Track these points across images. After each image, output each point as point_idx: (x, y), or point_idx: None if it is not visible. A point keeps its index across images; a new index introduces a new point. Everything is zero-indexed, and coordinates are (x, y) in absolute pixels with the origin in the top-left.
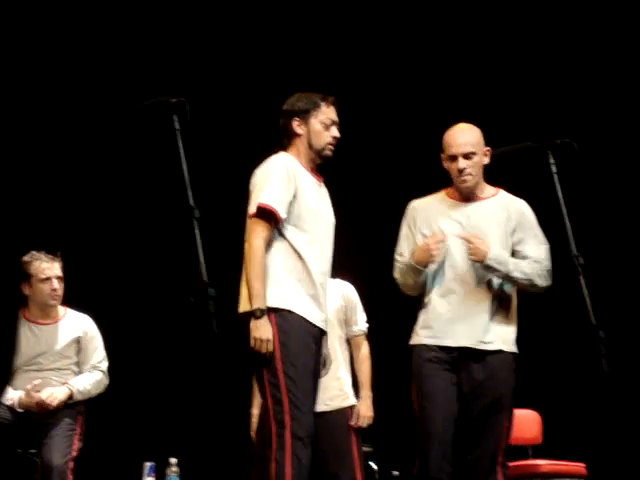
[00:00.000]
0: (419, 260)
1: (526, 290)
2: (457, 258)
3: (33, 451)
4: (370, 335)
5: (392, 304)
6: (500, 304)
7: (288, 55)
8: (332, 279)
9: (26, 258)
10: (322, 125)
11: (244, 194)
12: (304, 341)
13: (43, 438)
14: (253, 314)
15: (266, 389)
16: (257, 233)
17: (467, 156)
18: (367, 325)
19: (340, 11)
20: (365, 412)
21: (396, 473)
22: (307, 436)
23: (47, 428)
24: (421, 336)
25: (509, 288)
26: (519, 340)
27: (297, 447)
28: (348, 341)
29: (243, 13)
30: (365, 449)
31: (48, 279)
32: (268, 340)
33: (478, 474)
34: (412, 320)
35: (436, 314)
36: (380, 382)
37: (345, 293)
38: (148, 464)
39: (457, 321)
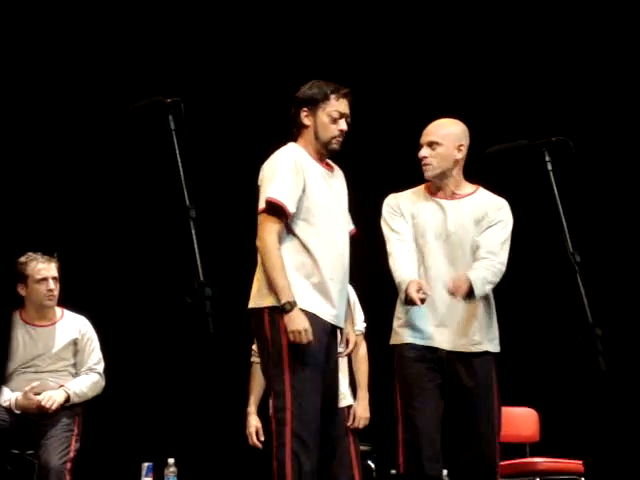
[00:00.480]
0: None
1: None
2: (439, 258)
3: (30, 452)
4: (368, 335)
5: (390, 304)
6: (482, 305)
7: (283, 54)
8: None
9: (22, 259)
10: (329, 118)
11: (240, 194)
12: (314, 339)
13: (40, 439)
14: (283, 309)
15: (270, 384)
16: (269, 228)
17: (430, 145)
18: (365, 325)
19: (339, 11)
20: (362, 413)
21: (394, 472)
22: (310, 438)
23: (44, 429)
24: (404, 335)
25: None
26: (516, 339)
27: (297, 446)
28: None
29: (237, 12)
30: (363, 448)
31: (44, 279)
32: (306, 330)
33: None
34: None
35: (419, 314)
36: (378, 381)
37: None
38: (146, 464)
39: (441, 322)
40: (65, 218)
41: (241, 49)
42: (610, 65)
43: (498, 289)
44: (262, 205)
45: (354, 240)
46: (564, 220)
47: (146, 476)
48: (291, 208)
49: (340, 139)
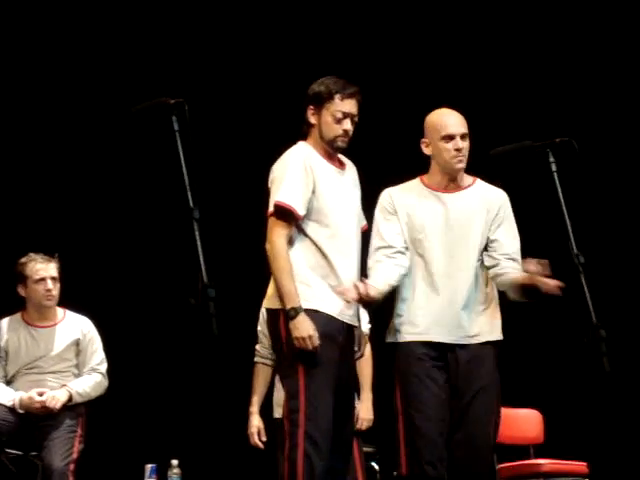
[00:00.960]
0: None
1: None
2: (439, 251)
3: (34, 454)
4: (372, 335)
5: (392, 304)
6: (483, 295)
7: (287, 54)
8: None
9: (22, 260)
10: (332, 118)
11: (244, 195)
12: (329, 339)
13: (44, 440)
14: (288, 315)
15: (284, 384)
16: (277, 232)
17: (463, 137)
18: (370, 326)
19: (345, 9)
20: (365, 415)
21: (396, 473)
22: (323, 440)
23: (48, 430)
24: (405, 333)
25: (483, 281)
26: (520, 340)
27: (309, 448)
28: None
29: (241, 13)
30: (367, 450)
31: (42, 280)
32: (310, 336)
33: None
34: None
35: (420, 309)
36: (382, 382)
37: None
38: (150, 466)
39: (442, 316)
40: (69, 219)
41: (245, 50)
42: (614, 66)
43: (502, 291)
44: (271, 208)
45: (362, 235)
46: (568, 221)
47: (150, 477)
48: (301, 211)
49: (345, 138)
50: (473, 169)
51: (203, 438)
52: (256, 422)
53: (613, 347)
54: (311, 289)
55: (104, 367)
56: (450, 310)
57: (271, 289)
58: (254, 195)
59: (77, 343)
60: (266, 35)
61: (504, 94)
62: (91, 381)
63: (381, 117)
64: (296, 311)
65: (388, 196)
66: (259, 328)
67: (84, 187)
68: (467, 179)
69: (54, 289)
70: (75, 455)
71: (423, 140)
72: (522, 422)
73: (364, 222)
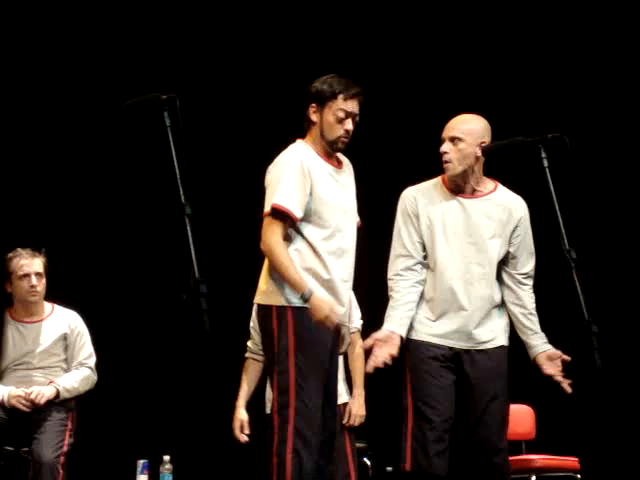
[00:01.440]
0: None
1: None
2: (458, 256)
3: (25, 449)
4: (364, 332)
5: (387, 300)
6: (499, 301)
7: (280, 50)
8: None
9: (9, 255)
10: (334, 117)
11: (236, 191)
12: (320, 337)
13: (34, 434)
14: (304, 299)
15: (274, 380)
16: (272, 231)
17: (452, 140)
18: (362, 322)
19: (341, 6)
20: (357, 411)
21: (390, 469)
22: (312, 435)
23: (38, 424)
24: (420, 332)
25: (499, 287)
26: (512, 335)
27: (299, 443)
28: None
29: (233, 7)
30: (359, 445)
31: (27, 275)
32: (327, 316)
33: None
34: None
35: (437, 312)
36: (374, 378)
37: None
38: (141, 462)
39: (459, 322)
40: (61, 215)
41: (237, 45)
42: (606, 62)
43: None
44: (267, 209)
45: (358, 234)
46: (560, 217)
47: (142, 473)
48: (298, 213)
49: (345, 139)
50: None
51: (195, 434)
52: (240, 416)
53: (605, 343)
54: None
55: (92, 361)
56: (467, 316)
57: (262, 284)
58: (246, 191)
59: (65, 338)
60: (259, 30)
61: (496, 90)
62: (78, 376)
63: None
64: (310, 292)
65: (412, 198)
66: (251, 324)
67: (76, 182)
68: (488, 184)
69: (38, 285)
70: (65, 448)
71: None
72: (514, 417)
73: (357, 218)
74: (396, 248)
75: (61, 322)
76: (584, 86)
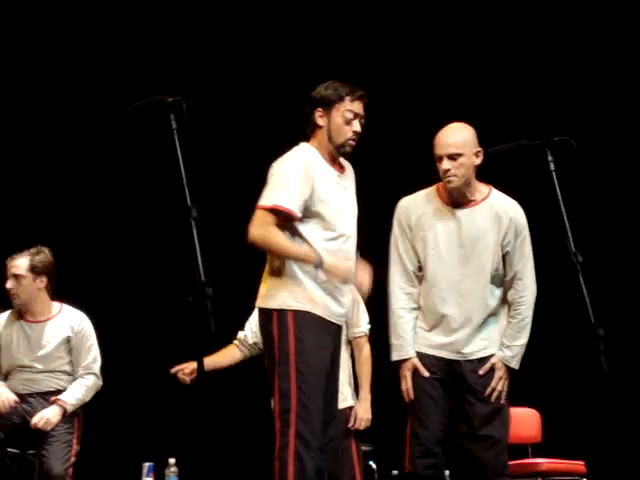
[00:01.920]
0: None
1: None
2: (450, 267)
3: (31, 452)
4: (372, 336)
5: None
6: (494, 310)
7: (286, 53)
8: None
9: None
10: (343, 119)
11: (242, 193)
12: (320, 340)
13: (42, 442)
14: (320, 267)
15: (275, 384)
16: (263, 222)
17: (452, 157)
18: (369, 326)
19: (343, 10)
20: (363, 415)
21: (396, 472)
22: (313, 438)
23: (45, 434)
24: (416, 342)
25: (499, 293)
26: None
27: (300, 447)
28: (349, 342)
29: (239, 10)
30: (365, 448)
31: (8, 277)
32: (349, 268)
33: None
34: None
35: (430, 323)
36: (380, 381)
37: None
38: (147, 464)
39: (452, 330)
40: (68, 217)
41: (243, 48)
42: (612, 64)
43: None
44: (263, 203)
45: (360, 240)
46: (566, 220)
47: (147, 476)
48: (298, 213)
49: (353, 142)
50: None
51: (200, 436)
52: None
53: (611, 346)
54: (303, 291)
55: (97, 366)
56: (458, 327)
57: (262, 288)
58: (252, 193)
59: (68, 341)
60: (264, 33)
61: (502, 93)
62: (82, 387)
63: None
64: (320, 259)
65: (405, 209)
66: (253, 328)
67: (82, 185)
68: (481, 191)
69: (14, 287)
70: (73, 459)
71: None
72: (520, 421)
73: None
74: (393, 259)
75: (65, 324)
76: (591, 89)
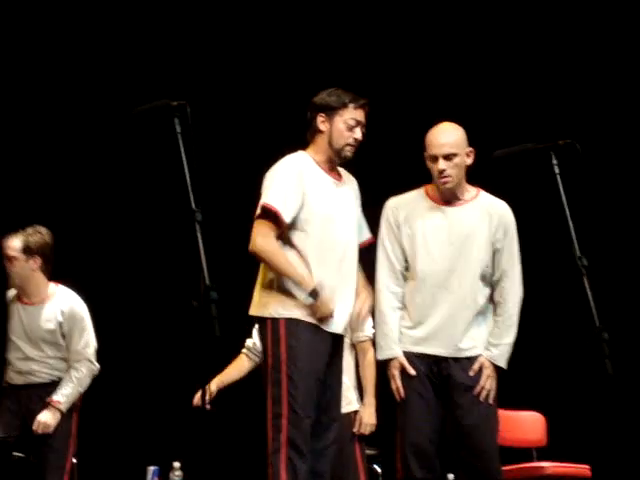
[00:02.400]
0: None
1: None
2: (440, 265)
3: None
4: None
5: None
6: (483, 309)
7: (289, 58)
8: None
9: None
10: (345, 125)
11: (246, 197)
12: (313, 348)
13: (38, 450)
14: (313, 297)
15: (268, 390)
16: (262, 232)
17: (448, 157)
18: (373, 330)
19: (345, 16)
20: (367, 419)
21: None
22: (304, 444)
23: (43, 437)
24: (402, 342)
25: (487, 292)
26: (523, 343)
27: (292, 452)
28: (353, 346)
29: (244, 16)
30: (369, 452)
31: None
32: (331, 312)
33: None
34: None
35: (415, 320)
36: (385, 385)
37: None
38: (152, 468)
39: (440, 329)
40: (72, 221)
41: (247, 52)
42: (617, 68)
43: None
44: (258, 211)
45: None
46: (571, 224)
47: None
48: (286, 218)
49: (353, 147)
50: (476, 171)
51: (205, 440)
52: (210, 388)
53: (616, 350)
54: (294, 299)
55: (91, 351)
56: (446, 324)
57: (256, 297)
58: (256, 197)
59: (60, 325)
60: (269, 38)
61: (507, 96)
62: (73, 381)
63: (385, 121)
64: (316, 292)
65: (393, 209)
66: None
67: (86, 189)
68: (470, 191)
69: (8, 269)
70: (68, 466)
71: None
72: (525, 425)
73: (369, 235)
74: (380, 258)
75: (57, 308)
76: (595, 92)
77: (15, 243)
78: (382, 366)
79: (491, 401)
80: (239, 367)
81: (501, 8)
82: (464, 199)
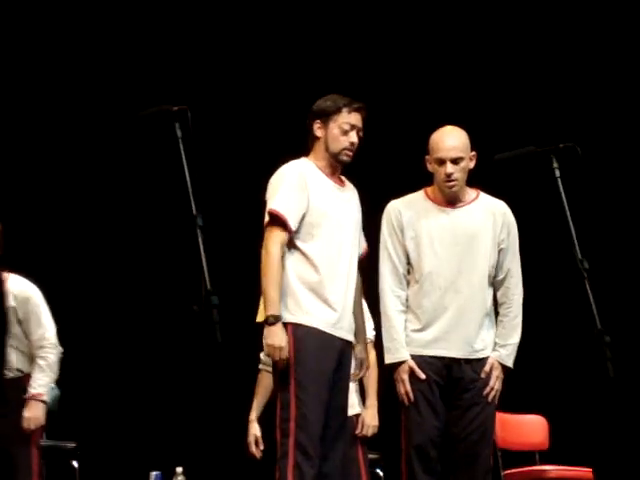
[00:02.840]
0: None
1: None
2: (447, 267)
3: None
4: (377, 343)
5: None
6: (489, 310)
7: (291, 64)
8: None
9: None
10: (340, 130)
11: (247, 202)
12: (320, 352)
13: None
14: (266, 321)
15: (277, 394)
16: (274, 240)
17: (455, 161)
18: (374, 332)
19: (346, 21)
20: (370, 421)
21: None
22: (313, 448)
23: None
24: (410, 345)
25: (492, 293)
26: (525, 346)
27: (299, 457)
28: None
29: (246, 21)
30: (371, 456)
31: None
32: (281, 347)
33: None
34: None
35: (423, 322)
36: (387, 388)
37: None
38: (154, 473)
39: (448, 331)
40: (73, 225)
41: (248, 58)
42: (618, 71)
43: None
44: (267, 218)
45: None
46: (572, 226)
47: None
48: (292, 223)
49: (350, 151)
50: (477, 174)
51: (207, 445)
52: (254, 431)
53: (618, 353)
54: (301, 304)
55: (50, 333)
56: (457, 325)
57: (262, 304)
58: (257, 202)
59: (15, 312)
60: (270, 44)
61: (508, 100)
62: (45, 370)
63: (386, 125)
64: (275, 319)
65: (395, 211)
66: None
67: (87, 193)
68: (470, 193)
69: None
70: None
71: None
72: (527, 428)
73: (364, 244)
74: (383, 261)
75: (9, 295)
76: (596, 96)
77: None
78: (384, 369)
79: (496, 401)
80: (264, 385)
81: (502, 12)
82: (465, 201)
